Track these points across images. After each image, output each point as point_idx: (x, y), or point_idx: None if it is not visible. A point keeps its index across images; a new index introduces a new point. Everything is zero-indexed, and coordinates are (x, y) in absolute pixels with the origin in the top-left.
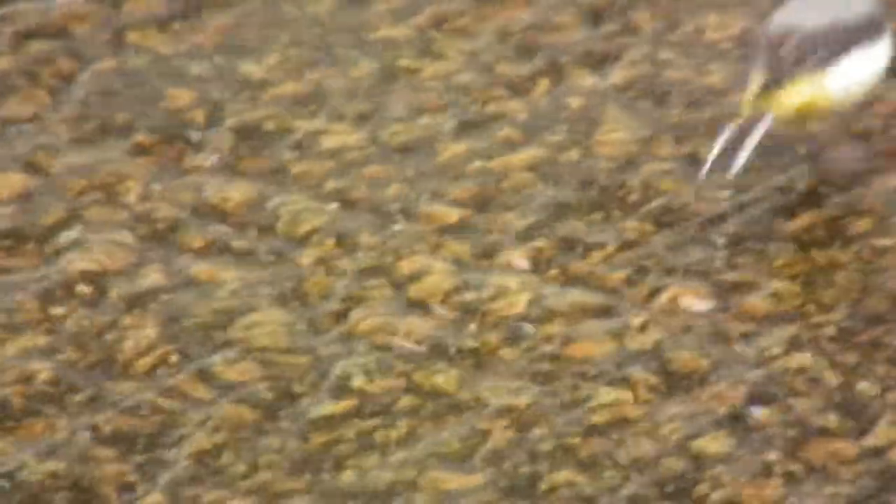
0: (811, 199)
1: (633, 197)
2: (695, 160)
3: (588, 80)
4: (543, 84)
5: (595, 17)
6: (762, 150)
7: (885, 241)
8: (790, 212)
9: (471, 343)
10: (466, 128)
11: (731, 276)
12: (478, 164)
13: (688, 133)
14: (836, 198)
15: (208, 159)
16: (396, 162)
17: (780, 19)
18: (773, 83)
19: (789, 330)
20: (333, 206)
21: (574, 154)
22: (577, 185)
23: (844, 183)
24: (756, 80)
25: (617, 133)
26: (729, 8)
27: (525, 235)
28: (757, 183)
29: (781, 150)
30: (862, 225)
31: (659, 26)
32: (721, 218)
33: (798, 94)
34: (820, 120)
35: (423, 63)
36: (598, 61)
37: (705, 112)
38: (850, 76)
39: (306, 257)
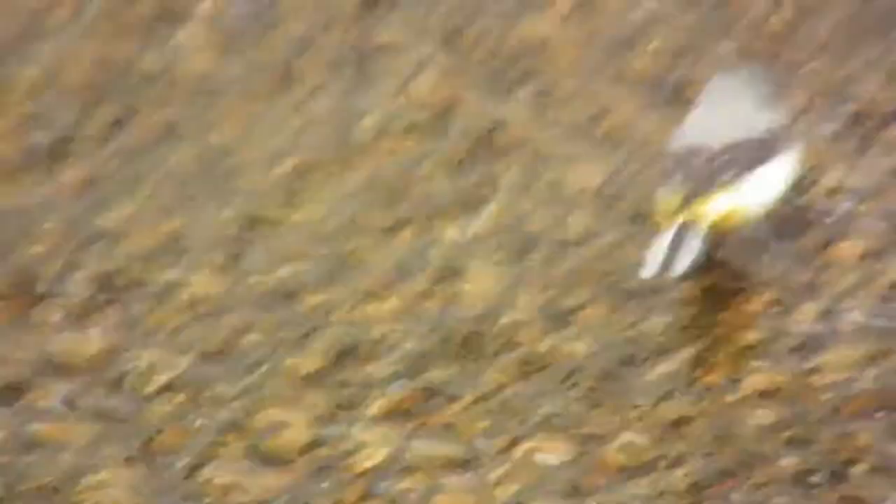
0: (664, 350)
1: (494, 347)
2: (555, 311)
3: (451, 230)
4: (407, 233)
5: (458, 168)
6: (617, 299)
7: (734, 396)
8: (645, 363)
9: (326, 500)
10: (330, 277)
11: (587, 429)
12: (340, 313)
13: (548, 284)
14: (686, 350)
15: (58, 313)
16: (257, 312)
17: (689, 134)
18: (693, 196)
19: (642, 483)
20: (188, 358)
21: (436, 304)
22: (438, 335)
23: (697, 333)
24: (671, 194)
25: (478, 283)
26: (588, 161)
27: (385, 386)
28: (612, 334)
29: (639, 298)
30: (713, 378)
31: (520, 178)
32: (579, 369)
33: (717, 205)
34: (730, 233)
35: (286, 212)
36: (461, 211)
37: (566, 263)
38: (763, 188)
39: (158, 412)
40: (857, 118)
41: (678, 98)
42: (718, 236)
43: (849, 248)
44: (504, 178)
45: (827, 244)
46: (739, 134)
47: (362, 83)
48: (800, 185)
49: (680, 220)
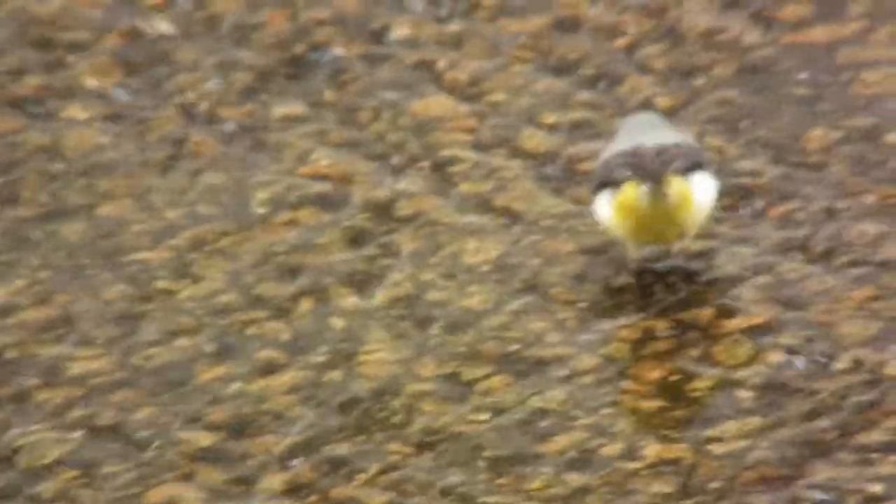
0: (566, 420)
1: (396, 418)
2: (456, 381)
3: (351, 300)
4: (306, 304)
5: (357, 239)
6: (518, 370)
7: (635, 465)
8: (547, 434)
9: None
10: (226, 350)
11: (490, 499)
12: (236, 386)
13: (450, 355)
14: (584, 419)
15: None
16: (149, 386)
17: (624, 144)
18: (651, 177)
19: None
20: (78, 434)
21: (336, 375)
22: (339, 407)
23: (598, 403)
24: (629, 185)
25: (379, 354)
26: (486, 234)
27: (284, 460)
28: (514, 405)
29: (540, 369)
30: (614, 448)
31: (420, 249)
32: (481, 440)
33: (675, 191)
34: (677, 237)
35: (180, 285)
36: (361, 282)
37: (467, 334)
38: (705, 189)
39: (46, 491)
40: (746, 194)
41: (571, 173)
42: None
43: (742, 322)
44: (404, 250)
45: (720, 316)
46: (668, 139)
47: (259, 156)
48: (691, 258)
49: (651, 209)
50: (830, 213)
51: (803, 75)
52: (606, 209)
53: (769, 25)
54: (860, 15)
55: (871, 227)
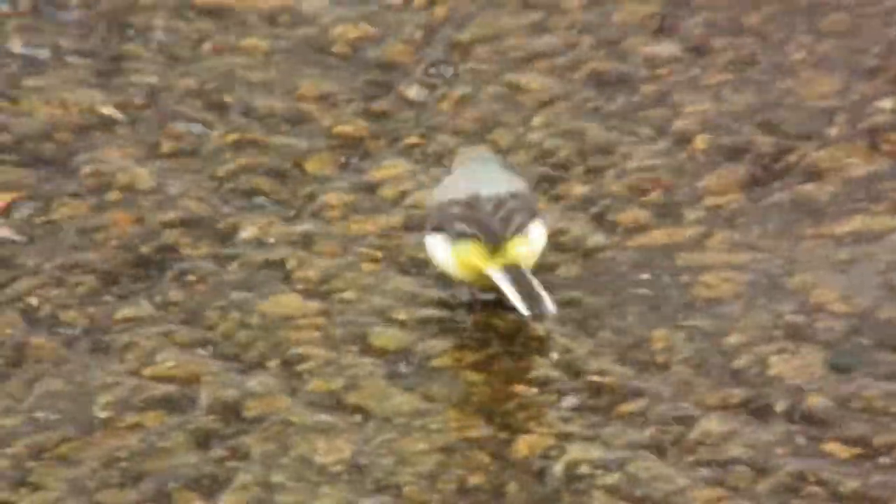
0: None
1: None
2: None
3: None
4: None
5: (204, 442)
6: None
7: None
8: None
9: None
10: None
11: None
12: None
13: None
14: None
15: None
16: None
17: (452, 191)
18: (495, 239)
19: None
20: None
21: None
22: None
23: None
24: (464, 242)
25: None
26: (338, 433)
27: None
28: None
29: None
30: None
31: (269, 450)
32: None
33: (514, 250)
34: None
35: (18, 495)
36: (208, 486)
37: None
38: (539, 236)
39: None
40: (596, 392)
41: (423, 368)
42: None
43: None
44: (253, 451)
45: None
46: (503, 188)
47: (103, 358)
48: (546, 458)
49: (498, 265)
50: (677, 412)
51: (645, 276)
52: (441, 254)
53: (611, 228)
54: (695, 221)
55: (716, 427)
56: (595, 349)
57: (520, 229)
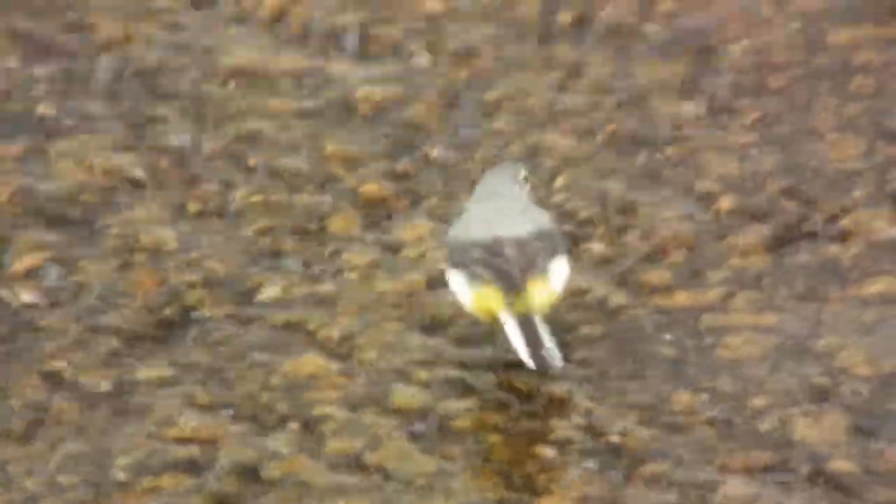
0: None
1: None
2: None
3: None
4: None
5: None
6: None
7: None
8: None
9: None
10: None
11: None
12: None
13: None
14: None
15: None
16: None
17: (480, 227)
18: (512, 286)
19: None
20: None
21: None
22: None
23: None
24: (484, 286)
25: None
26: (358, 493)
27: None
28: None
29: None
30: None
31: None
32: None
33: (540, 294)
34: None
35: None
36: None
37: None
38: (562, 275)
39: None
40: (617, 453)
41: (444, 428)
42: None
43: None
44: None
45: None
46: (526, 229)
47: (123, 421)
48: None
49: (512, 314)
50: (699, 475)
51: (668, 337)
52: (461, 290)
53: (634, 288)
54: (719, 282)
55: (739, 490)
56: (617, 410)
57: (541, 270)
